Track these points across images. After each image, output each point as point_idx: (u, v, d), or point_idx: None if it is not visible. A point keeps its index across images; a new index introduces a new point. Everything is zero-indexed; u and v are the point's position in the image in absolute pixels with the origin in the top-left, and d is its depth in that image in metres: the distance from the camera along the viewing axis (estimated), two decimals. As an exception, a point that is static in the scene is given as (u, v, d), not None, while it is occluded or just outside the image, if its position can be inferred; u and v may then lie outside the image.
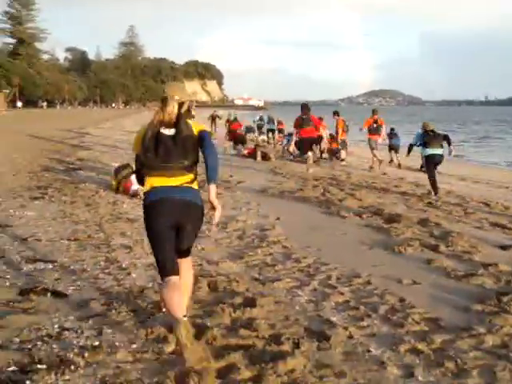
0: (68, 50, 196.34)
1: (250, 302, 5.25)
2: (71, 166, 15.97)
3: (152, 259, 5.07)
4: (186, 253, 4.59)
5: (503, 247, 7.76)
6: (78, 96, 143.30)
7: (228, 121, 27.15)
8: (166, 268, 4.28)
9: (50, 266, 6.39)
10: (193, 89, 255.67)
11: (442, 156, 13.11)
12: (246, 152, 21.86)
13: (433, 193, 12.91)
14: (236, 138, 24.52)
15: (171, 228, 4.28)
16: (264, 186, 13.32)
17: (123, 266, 6.47)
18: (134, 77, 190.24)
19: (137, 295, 5.42)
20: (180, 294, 4.22)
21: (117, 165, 12.75)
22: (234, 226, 8.80)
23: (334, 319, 4.96)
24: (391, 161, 21.20)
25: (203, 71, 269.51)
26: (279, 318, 4.94)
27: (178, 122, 4.36)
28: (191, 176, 4.49)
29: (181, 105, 4.46)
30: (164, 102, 4.45)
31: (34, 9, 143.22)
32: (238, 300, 5.34)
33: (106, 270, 6.28)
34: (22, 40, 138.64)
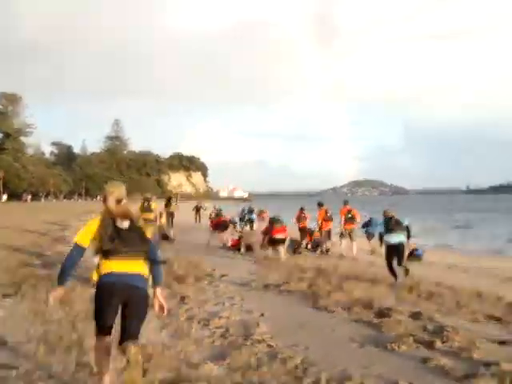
0: (53, 144, 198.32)
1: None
2: (50, 261, 15.42)
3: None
4: (132, 336, 5.03)
5: (501, 342, 7.32)
6: (63, 189, 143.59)
7: (210, 217, 26.47)
8: (102, 329, 5.07)
9: (14, 373, 5.84)
10: (178, 181, 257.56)
11: (402, 243, 13.28)
12: (230, 244, 21.37)
13: (392, 276, 13.26)
14: (219, 225, 24.21)
15: (117, 304, 5.02)
16: (248, 279, 12.85)
17: (94, 371, 5.92)
18: (119, 170, 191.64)
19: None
20: (108, 356, 5.12)
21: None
22: (217, 323, 8.31)
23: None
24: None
25: (188, 164, 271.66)
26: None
27: (129, 216, 5.20)
28: (144, 264, 5.23)
29: (119, 201, 5.28)
30: (105, 198, 5.35)
31: (19, 105, 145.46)
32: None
33: (76, 376, 5.74)
34: (8, 134, 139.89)
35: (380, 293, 11.40)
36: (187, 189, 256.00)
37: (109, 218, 5.14)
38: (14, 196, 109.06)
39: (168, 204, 29.38)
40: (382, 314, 8.96)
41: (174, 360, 6.38)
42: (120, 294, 4.96)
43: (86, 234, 5.15)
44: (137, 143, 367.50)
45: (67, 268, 5.27)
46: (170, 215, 28.19)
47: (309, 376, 5.83)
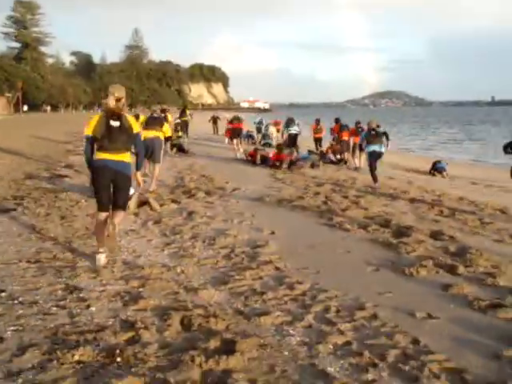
0: (73, 53, 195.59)
1: (229, 347, 4.23)
2: (57, 173, 14.96)
3: (119, 287, 5.77)
4: (119, 207, 6.92)
5: (530, 266, 6.71)
6: (82, 100, 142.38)
7: (228, 120, 26.20)
8: (101, 206, 6.83)
9: (-3, 297, 5.37)
10: (199, 92, 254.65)
11: (381, 152, 15.40)
12: (244, 156, 20.73)
13: (373, 182, 14.81)
14: (234, 130, 24.39)
15: (109, 184, 6.75)
16: (261, 193, 12.28)
17: (83, 296, 5.44)
18: (139, 80, 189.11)
19: (89, 339, 4.38)
20: (103, 230, 6.77)
21: None
22: (223, 242, 7.76)
23: (331, 370, 3.95)
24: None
25: (208, 74, 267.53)
26: (263, 370, 3.93)
27: (120, 117, 6.76)
28: (127, 153, 6.88)
29: (118, 99, 6.77)
30: (106, 96, 6.85)
31: (38, 13, 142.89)
32: (214, 343, 4.32)
33: (62, 303, 5.23)
34: (26, 44, 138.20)
35: (399, 209, 10.84)
36: (208, 100, 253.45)
37: (104, 117, 6.72)
38: (34, 107, 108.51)
39: (182, 115, 29.32)
40: (401, 233, 8.38)
41: (172, 283, 5.89)
42: (108, 174, 6.69)
43: (90, 127, 6.72)
44: (157, 54, 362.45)
45: (88, 156, 6.84)
46: (185, 125, 27.88)
47: (317, 304, 5.28)
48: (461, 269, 6.39)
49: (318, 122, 25.68)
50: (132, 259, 6.92)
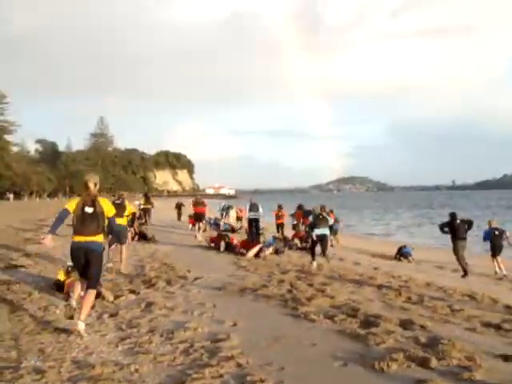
0: (38, 141, 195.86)
1: None
2: (13, 263, 14.32)
3: None
4: (90, 285, 7.77)
5: (505, 358, 6.37)
6: (46, 187, 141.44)
7: (194, 202, 26.04)
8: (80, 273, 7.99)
9: None
10: (164, 178, 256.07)
11: (326, 235, 16.78)
12: (208, 241, 20.12)
13: (311, 260, 15.95)
14: (196, 215, 24.87)
15: (83, 261, 7.75)
16: (224, 281, 11.82)
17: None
18: (105, 167, 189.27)
19: None
20: (79, 288, 8.29)
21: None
22: (182, 336, 7.28)
23: None
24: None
25: (174, 161, 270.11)
26: None
27: (94, 203, 7.81)
28: (99, 235, 7.86)
29: (95, 184, 8.02)
30: (85, 185, 7.99)
31: (3, 102, 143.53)
32: None
33: None
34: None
35: (366, 296, 10.53)
36: (173, 186, 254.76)
37: (81, 203, 7.78)
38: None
39: (145, 202, 29.77)
40: (369, 322, 8.01)
41: (123, 384, 5.40)
42: (81, 254, 7.74)
43: (71, 204, 7.80)
44: (123, 141, 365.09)
45: (57, 221, 7.76)
46: (148, 212, 27.82)
47: (281, 409, 4.85)
48: (434, 362, 6.02)
49: (279, 207, 26.30)
50: (83, 357, 6.41)
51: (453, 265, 18.10)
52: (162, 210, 50.05)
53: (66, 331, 7.48)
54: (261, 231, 28.25)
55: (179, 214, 39.35)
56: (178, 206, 40.31)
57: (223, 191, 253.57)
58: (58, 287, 10.40)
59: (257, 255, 16.81)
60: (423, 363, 6.01)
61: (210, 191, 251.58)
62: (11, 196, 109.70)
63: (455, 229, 16.88)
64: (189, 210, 32.70)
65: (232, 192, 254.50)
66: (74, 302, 8.58)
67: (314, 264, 15.51)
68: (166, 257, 16.29)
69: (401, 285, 12.40)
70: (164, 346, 6.81)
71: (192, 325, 7.84)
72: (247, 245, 17.48)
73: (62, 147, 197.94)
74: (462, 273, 16.56)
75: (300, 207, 24.26)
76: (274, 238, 21.14)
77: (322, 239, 16.53)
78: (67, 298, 9.48)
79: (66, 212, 7.75)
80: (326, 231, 16.75)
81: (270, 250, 17.94)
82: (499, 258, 17.39)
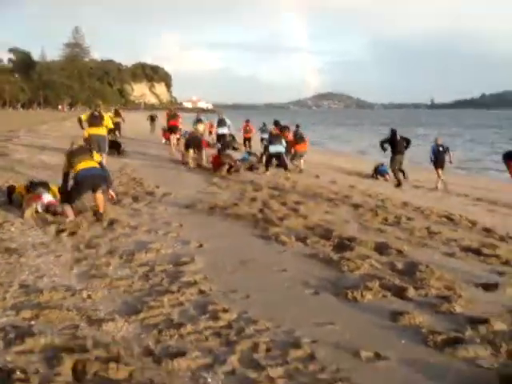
0: (11, 50, 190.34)
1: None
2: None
3: (6, 319, 4.81)
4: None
5: (486, 287, 5.97)
6: (20, 98, 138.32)
7: (168, 115, 25.29)
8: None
9: None
10: (141, 91, 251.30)
11: (281, 152, 18.03)
12: (210, 162, 17.89)
13: (264, 169, 17.65)
14: (170, 127, 24.76)
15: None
16: (193, 198, 11.30)
17: None
18: (80, 78, 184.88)
19: None
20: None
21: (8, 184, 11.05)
22: (143, 258, 6.78)
23: None
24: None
25: (151, 73, 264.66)
26: None
27: None
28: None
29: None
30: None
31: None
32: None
33: None
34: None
35: (341, 217, 10.08)
36: (150, 99, 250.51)
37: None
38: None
39: (116, 116, 29.79)
40: (343, 246, 7.55)
41: (73, 313, 4.89)
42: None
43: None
44: (99, 52, 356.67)
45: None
46: (118, 126, 27.31)
47: (244, 341, 4.38)
48: (411, 291, 5.57)
49: (247, 122, 26.49)
50: (32, 280, 5.89)
51: (429, 183, 17.81)
52: (136, 122, 49.16)
53: (18, 251, 6.95)
54: (236, 146, 27.72)
55: (152, 126, 39.24)
56: (152, 118, 40.25)
57: (201, 105, 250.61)
58: (11, 200, 9.87)
59: (228, 171, 16.19)
60: (399, 293, 5.57)
61: (188, 105, 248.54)
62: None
63: (396, 144, 18.49)
64: (162, 123, 31.90)
65: (210, 106, 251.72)
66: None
67: (267, 173, 17.14)
68: (134, 171, 15.71)
69: (377, 204, 11.99)
70: (122, 270, 6.30)
71: (155, 245, 7.35)
72: (218, 161, 16.83)
73: (35, 58, 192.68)
74: (416, 189, 17.76)
75: (276, 123, 23.55)
76: (249, 153, 20.48)
77: (278, 156, 18.05)
78: (23, 214, 8.93)
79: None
80: (280, 148, 17.94)
81: (245, 165, 17.45)
82: (440, 171, 18.28)
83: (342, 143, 48.80)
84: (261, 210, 10.14)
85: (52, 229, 8.27)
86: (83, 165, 9.38)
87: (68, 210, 9.09)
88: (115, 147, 20.61)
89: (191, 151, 18.64)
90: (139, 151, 23.28)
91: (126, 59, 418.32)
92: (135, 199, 10.92)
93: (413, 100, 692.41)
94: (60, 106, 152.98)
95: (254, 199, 11.37)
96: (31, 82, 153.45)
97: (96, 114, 15.63)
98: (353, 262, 6.65)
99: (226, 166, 16.12)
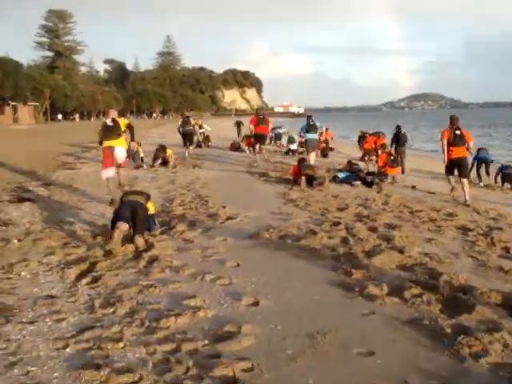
0: (106, 61, 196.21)
1: None
2: (22, 195, 12.20)
3: None
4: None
5: None
6: (114, 107, 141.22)
7: (255, 120, 21.70)
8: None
9: None
10: (232, 97, 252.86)
11: (316, 139, 20.01)
12: (289, 173, 15.88)
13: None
14: (257, 135, 21.13)
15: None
16: (262, 223, 9.24)
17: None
18: (172, 86, 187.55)
19: None
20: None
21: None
22: (171, 325, 4.82)
23: None
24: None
25: (242, 79, 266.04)
26: None
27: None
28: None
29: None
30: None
31: (70, 21, 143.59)
32: None
33: None
34: (59, 53, 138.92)
35: (448, 248, 7.89)
36: (241, 105, 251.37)
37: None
38: (65, 115, 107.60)
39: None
40: (457, 302, 5.29)
41: None
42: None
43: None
44: (191, 60, 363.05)
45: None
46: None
47: None
48: None
49: (381, 134, 21.62)
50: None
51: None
52: (224, 129, 48.21)
53: (7, 313, 5.17)
54: (327, 153, 25.83)
55: (239, 132, 38.93)
56: (238, 124, 40.63)
57: (292, 109, 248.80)
58: None
59: (310, 184, 14.06)
60: None
61: (279, 109, 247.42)
62: (77, 116, 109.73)
63: (399, 137, 20.51)
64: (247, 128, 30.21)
65: (301, 110, 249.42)
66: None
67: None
68: (204, 187, 13.89)
69: (490, 225, 9.62)
70: (134, 349, 4.35)
71: (194, 302, 5.40)
72: (296, 172, 14.73)
73: (130, 67, 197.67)
74: None
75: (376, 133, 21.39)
76: (353, 170, 16.76)
77: (313, 144, 19.66)
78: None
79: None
80: (316, 136, 19.84)
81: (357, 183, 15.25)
82: None
83: (433, 143, 45.27)
84: (344, 240, 8.01)
85: (72, 272, 6.47)
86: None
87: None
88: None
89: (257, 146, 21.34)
90: (220, 160, 21.96)
91: (217, 66, 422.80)
92: (192, 225, 9.04)
93: (509, 98, 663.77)
94: (155, 114, 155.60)
95: (336, 223, 9.20)
96: (125, 92, 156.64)
97: (110, 123, 12.21)
98: (475, 338, 4.42)
99: (304, 178, 14.03)
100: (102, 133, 12.00)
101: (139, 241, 7.54)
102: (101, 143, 12.02)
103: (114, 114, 12.49)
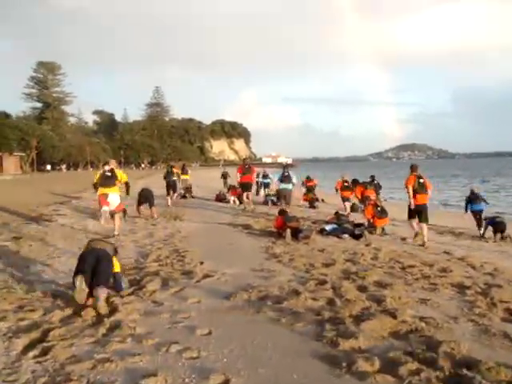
0: (95, 112, 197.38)
1: None
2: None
3: None
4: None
5: None
6: (101, 158, 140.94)
7: (240, 170, 21.80)
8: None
9: None
10: (220, 148, 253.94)
11: (289, 190, 20.76)
12: (273, 225, 14.95)
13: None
14: (243, 184, 21.76)
15: None
16: (241, 282, 8.43)
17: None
18: (161, 137, 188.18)
19: None
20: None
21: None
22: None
23: None
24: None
25: (230, 130, 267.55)
26: None
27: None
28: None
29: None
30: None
31: (59, 73, 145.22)
32: None
33: None
34: (48, 104, 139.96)
35: (444, 309, 7.12)
36: (230, 155, 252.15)
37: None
38: (52, 166, 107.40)
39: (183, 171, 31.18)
40: (460, 382, 4.58)
41: None
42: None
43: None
44: (179, 111, 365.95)
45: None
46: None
47: None
48: None
49: (368, 186, 22.76)
50: None
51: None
52: (211, 179, 47.78)
53: None
54: (315, 205, 25.41)
55: (225, 183, 38.40)
56: (224, 176, 40.54)
57: (280, 160, 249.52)
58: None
59: (295, 237, 13.34)
60: None
61: (268, 160, 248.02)
62: (63, 167, 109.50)
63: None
64: (234, 179, 29.63)
65: (289, 161, 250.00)
66: None
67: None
68: (183, 240, 13.16)
69: (488, 282, 8.91)
70: None
71: (153, 382, 4.59)
72: (279, 224, 14.05)
73: (119, 118, 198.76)
74: None
75: (355, 181, 21.74)
76: (339, 223, 15.98)
77: (285, 193, 20.70)
78: None
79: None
80: (290, 186, 20.62)
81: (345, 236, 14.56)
82: None
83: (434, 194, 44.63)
84: (330, 302, 7.24)
85: (20, 343, 5.66)
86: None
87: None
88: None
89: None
90: (204, 212, 21.45)
91: (206, 116, 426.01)
92: (164, 284, 8.25)
93: (495, 149, 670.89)
94: (143, 165, 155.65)
95: (322, 282, 8.41)
96: (113, 143, 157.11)
97: (108, 173, 14.34)
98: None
99: (289, 231, 13.31)
100: (100, 180, 14.28)
101: (100, 305, 6.73)
102: (95, 186, 14.53)
103: (113, 163, 14.84)
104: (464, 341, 5.60)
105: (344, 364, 4.94)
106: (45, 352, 5.37)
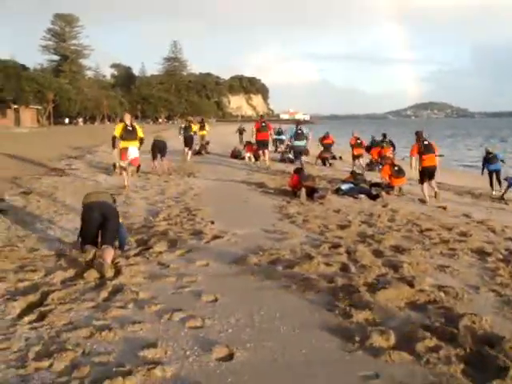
0: (113, 66, 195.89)
1: None
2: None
3: None
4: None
5: None
6: (118, 111, 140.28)
7: (257, 126, 22.03)
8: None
9: None
10: (238, 103, 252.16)
11: (304, 146, 21.16)
12: (288, 184, 14.57)
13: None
14: (260, 142, 21.78)
15: None
16: (251, 243, 8.17)
17: None
18: (178, 92, 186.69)
19: None
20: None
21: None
22: (115, 388, 3.75)
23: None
24: None
25: (248, 86, 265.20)
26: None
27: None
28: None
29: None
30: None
31: (77, 25, 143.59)
32: None
33: None
34: (65, 57, 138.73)
35: (464, 276, 6.75)
36: (247, 111, 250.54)
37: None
38: (72, 119, 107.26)
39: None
40: (483, 360, 4.21)
41: None
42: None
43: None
44: (197, 66, 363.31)
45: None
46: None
47: None
48: None
49: (385, 144, 23.31)
50: None
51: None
52: (227, 135, 47.26)
53: None
54: (330, 162, 24.89)
55: (241, 139, 37.91)
56: (240, 131, 39.97)
57: (298, 116, 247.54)
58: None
59: (310, 196, 12.95)
60: None
61: (285, 116, 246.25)
62: (80, 120, 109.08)
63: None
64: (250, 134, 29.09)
65: (307, 117, 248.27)
66: None
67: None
68: (195, 198, 12.84)
69: (509, 248, 8.50)
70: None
71: (152, 354, 4.30)
72: (295, 183, 13.64)
73: (136, 72, 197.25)
74: None
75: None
76: (355, 181, 15.85)
77: (300, 150, 20.98)
78: None
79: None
80: (303, 142, 20.81)
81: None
82: None
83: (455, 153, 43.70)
84: (344, 267, 6.90)
85: (17, 306, 5.39)
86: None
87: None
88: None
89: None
90: (218, 168, 21.09)
91: (224, 72, 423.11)
92: (172, 245, 7.96)
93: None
94: (160, 120, 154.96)
95: (336, 246, 8.08)
96: (130, 96, 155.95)
97: (129, 127, 14.90)
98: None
99: (304, 190, 12.91)
100: (123, 133, 14.70)
101: (106, 268, 6.46)
102: (114, 138, 14.87)
103: (128, 118, 15.21)
104: (485, 313, 5.24)
105: (357, 338, 4.60)
106: (42, 317, 5.11)
